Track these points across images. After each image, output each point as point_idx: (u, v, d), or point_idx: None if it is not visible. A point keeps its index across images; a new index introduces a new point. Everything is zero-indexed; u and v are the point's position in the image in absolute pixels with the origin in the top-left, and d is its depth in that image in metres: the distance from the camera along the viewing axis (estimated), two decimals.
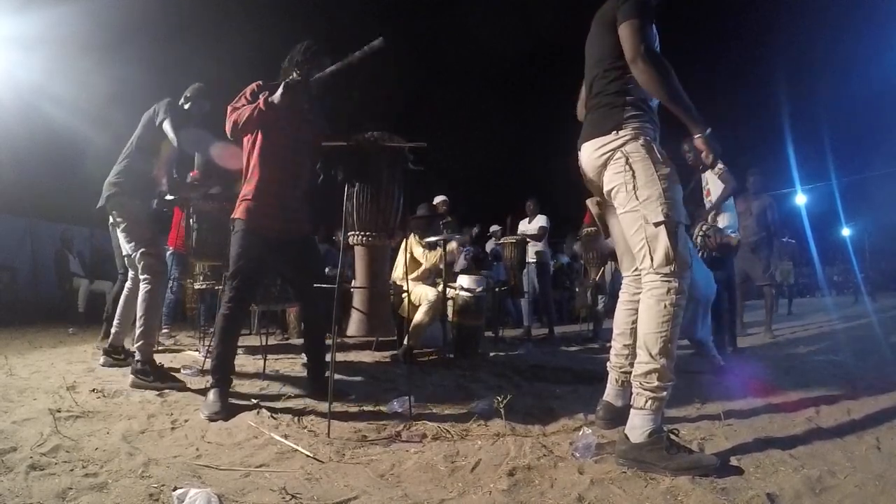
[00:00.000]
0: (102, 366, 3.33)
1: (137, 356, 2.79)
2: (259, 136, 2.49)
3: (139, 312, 2.90)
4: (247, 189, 2.49)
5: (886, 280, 17.98)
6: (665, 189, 1.75)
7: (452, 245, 4.29)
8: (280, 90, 2.34)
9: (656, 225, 1.74)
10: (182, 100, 3.24)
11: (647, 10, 1.80)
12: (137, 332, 2.86)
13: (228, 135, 2.48)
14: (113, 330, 3.38)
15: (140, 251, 2.95)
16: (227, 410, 2.23)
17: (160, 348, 4.25)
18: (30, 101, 8.42)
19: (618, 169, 1.83)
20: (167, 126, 3.00)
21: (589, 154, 1.94)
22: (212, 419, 2.17)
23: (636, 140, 1.81)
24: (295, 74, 2.37)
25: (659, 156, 1.81)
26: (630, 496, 1.45)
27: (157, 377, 2.74)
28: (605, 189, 1.91)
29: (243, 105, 2.44)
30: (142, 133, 3.15)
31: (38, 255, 8.99)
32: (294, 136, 2.54)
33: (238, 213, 2.49)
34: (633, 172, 1.79)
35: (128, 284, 3.34)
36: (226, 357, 2.42)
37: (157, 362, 2.87)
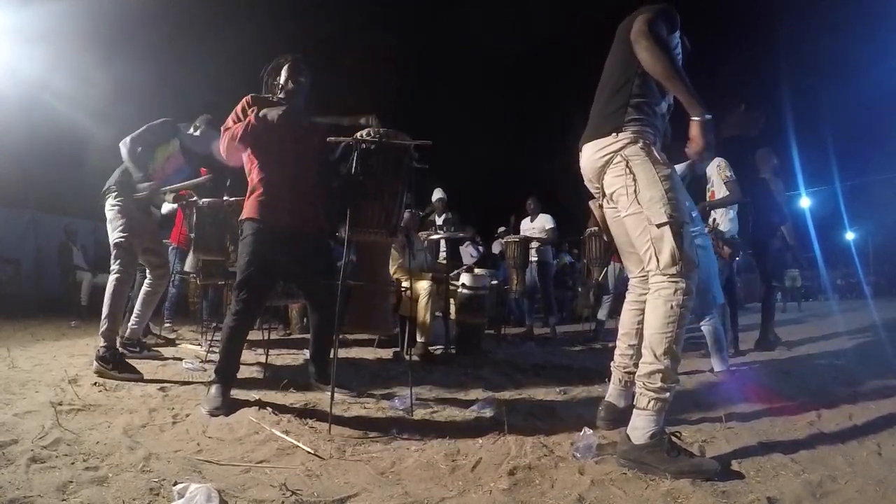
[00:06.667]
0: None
1: (102, 342, 2.83)
2: (261, 140, 2.46)
3: (105, 301, 2.98)
4: (256, 184, 2.46)
5: (890, 284, 17.93)
6: (667, 190, 1.74)
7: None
8: (277, 112, 2.35)
9: (660, 226, 1.72)
10: (191, 129, 3.43)
11: (663, 13, 1.80)
12: (103, 317, 2.92)
13: (223, 156, 2.50)
14: (130, 325, 3.47)
15: (116, 241, 3.05)
16: (228, 406, 2.23)
17: (162, 342, 4.27)
18: (33, 95, 8.43)
19: (618, 172, 1.82)
20: (125, 142, 3.16)
21: (589, 156, 1.94)
22: (213, 414, 2.16)
23: (635, 143, 1.81)
24: (281, 90, 2.48)
25: (659, 157, 1.80)
26: (630, 497, 1.44)
27: (115, 366, 2.77)
28: (607, 192, 1.90)
29: (234, 124, 2.44)
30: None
31: (42, 248, 9.02)
32: (294, 141, 2.50)
33: (247, 212, 2.44)
34: (634, 175, 1.78)
35: (147, 280, 3.46)
36: (231, 356, 2.40)
37: (120, 352, 2.92)
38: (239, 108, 2.49)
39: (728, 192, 4.19)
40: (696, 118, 1.75)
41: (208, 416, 2.15)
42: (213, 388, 2.31)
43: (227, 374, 2.36)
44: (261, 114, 2.36)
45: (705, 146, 1.75)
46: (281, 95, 2.54)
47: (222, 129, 2.49)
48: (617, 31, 2.00)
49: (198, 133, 3.44)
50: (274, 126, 2.36)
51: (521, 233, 6.11)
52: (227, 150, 2.47)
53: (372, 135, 2.25)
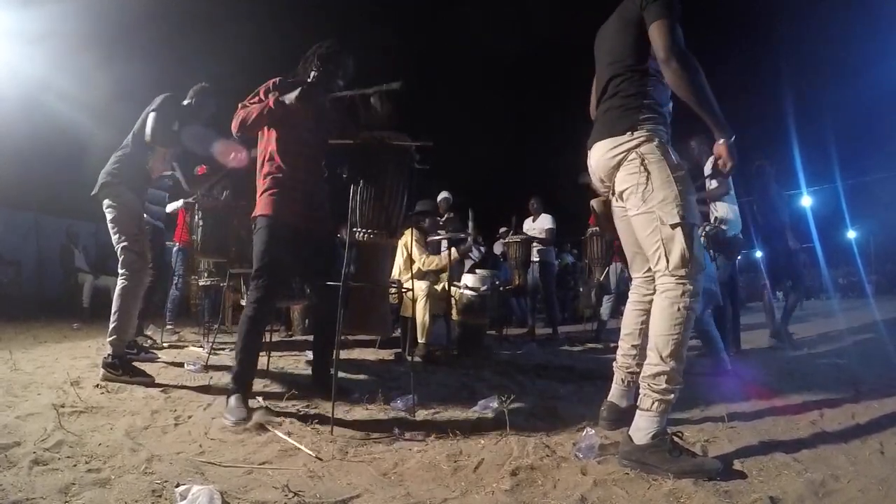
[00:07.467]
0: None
1: (109, 350, 2.77)
2: (275, 132, 2.45)
3: (114, 307, 2.84)
4: (267, 183, 2.43)
5: (891, 283, 17.90)
6: (681, 191, 1.73)
7: (455, 255, 4.31)
8: (295, 94, 2.31)
9: (672, 227, 1.71)
10: (187, 100, 3.20)
11: (675, 10, 1.78)
12: (111, 326, 2.81)
13: (234, 132, 2.43)
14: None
15: (122, 245, 2.89)
16: (251, 416, 2.11)
17: (165, 344, 4.27)
18: (34, 96, 8.45)
19: (632, 170, 1.80)
20: (150, 118, 2.90)
21: (601, 154, 1.91)
22: (238, 425, 2.06)
23: (651, 142, 1.79)
24: (312, 75, 2.37)
25: (674, 157, 1.79)
26: (633, 498, 1.44)
27: (125, 371, 2.73)
28: (618, 190, 1.89)
29: (254, 103, 2.40)
30: (141, 125, 3.05)
31: (44, 250, 9.04)
32: (309, 132, 2.49)
33: (261, 208, 2.41)
34: (649, 174, 1.76)
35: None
36: (250, 362, 2.32)
37: (127, 357, 2.86)
38: (262, 88, 2.45)
39: (718, 185, 4.18)
40: (722, 140, 1.80)
41: (210, 418, 2.15)
42: (234, 399, 2.19)
43: (244, 380, 2.27)
44: (281, 98, 2.33)
45: (735, 164, 1.83)
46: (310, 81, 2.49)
47: (239, 106, 2.43)
48: (617, 11, 1.97)
49: (192, 102, 3.17)
50: (292, 110, 2.33)
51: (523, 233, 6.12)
52: (238, 129, 2.40)
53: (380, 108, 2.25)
